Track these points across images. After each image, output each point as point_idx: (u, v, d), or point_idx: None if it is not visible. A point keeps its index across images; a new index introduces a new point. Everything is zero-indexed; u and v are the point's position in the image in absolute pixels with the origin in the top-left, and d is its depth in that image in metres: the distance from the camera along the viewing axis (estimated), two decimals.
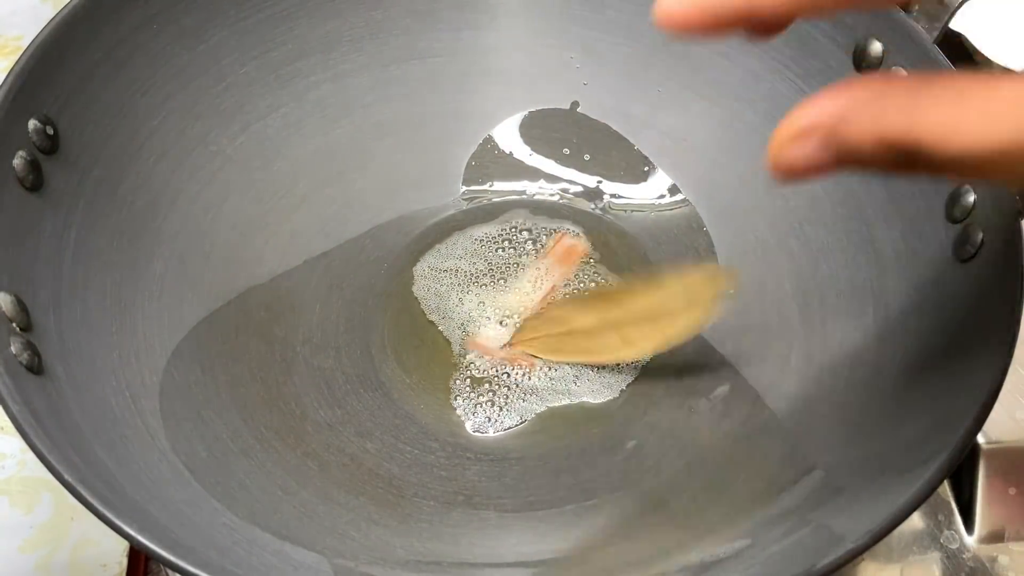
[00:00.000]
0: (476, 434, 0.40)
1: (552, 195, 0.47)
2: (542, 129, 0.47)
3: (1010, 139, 0.18)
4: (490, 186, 0.47)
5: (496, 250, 0.45)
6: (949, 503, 0.42)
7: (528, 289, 0.44)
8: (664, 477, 0.38)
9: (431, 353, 0.42)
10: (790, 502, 0.34)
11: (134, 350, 0.36)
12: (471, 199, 0.47)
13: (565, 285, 0.44)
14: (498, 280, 0.44)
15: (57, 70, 0.36)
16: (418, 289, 0.44)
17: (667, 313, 0.39)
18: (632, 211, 0.47)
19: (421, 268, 0.45)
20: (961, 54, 0.51)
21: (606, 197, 0.47)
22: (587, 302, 0.43)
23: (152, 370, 0.36)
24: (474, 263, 0.45)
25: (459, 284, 0.44)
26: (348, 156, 0.46)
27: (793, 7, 0.21)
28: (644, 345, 0.40)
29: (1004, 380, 0.30)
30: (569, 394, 0.41)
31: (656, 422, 0.40)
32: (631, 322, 0.40)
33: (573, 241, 0.45)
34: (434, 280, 0.44)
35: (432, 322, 0.43)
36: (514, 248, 0.45)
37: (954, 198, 0.35)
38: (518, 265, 0.45)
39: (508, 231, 0.46)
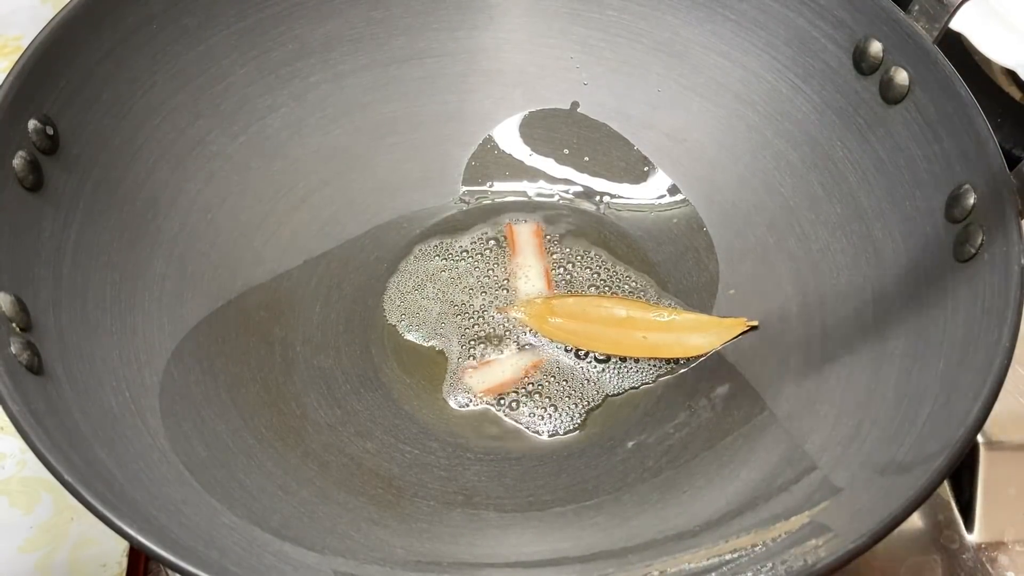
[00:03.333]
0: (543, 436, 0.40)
1: (552, 195, 0.47)
2: (542, 129, 0.48)
3: None
4: (490, 186, 0.47)
5: (488, 250, 0.45)
6: (949, 503, 0.42)
7: (525, 287, 0.44)
8: (663, 477, 0.38)
9: (431, 353, 0.43)
10: (790, 502, 0.34)
11: (134, 350, 0.36)
12: (471, 199, 0.47)
13: (560, 268, 0.44)
14: (492, 285, 0.44)
15: (57, 70, 0.36)
16: (407, 297, 0.44)
17: (687, 331, 0.42)
18: (632, 211, 0.47)
19: (411, 272, 0.45)
20: (961, 54, 0.51)
21: (606, 197, 0.47)
22: (619, 302, 0.43)
23: (152, 370, 0.36)
24: (467, 266, 0.45)
25: (452, 290, 0.44)
26: (348, 156, 0.46)
27: None
28: (662, 350, 0.42)
29: (1004, 380, 0.30)
30: (575, 400, 0.41)
31: (656, 422, 0.40)
32: (654, 329, 0.42)
33: (522, 225, 0.46)
34: (423, 287, 0.44)
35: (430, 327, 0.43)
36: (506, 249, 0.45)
37: (954, 198, 0.35)
38: (503, 269, 0.45)
39: (500, 232, 0.46)
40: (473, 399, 0.41)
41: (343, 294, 0.44)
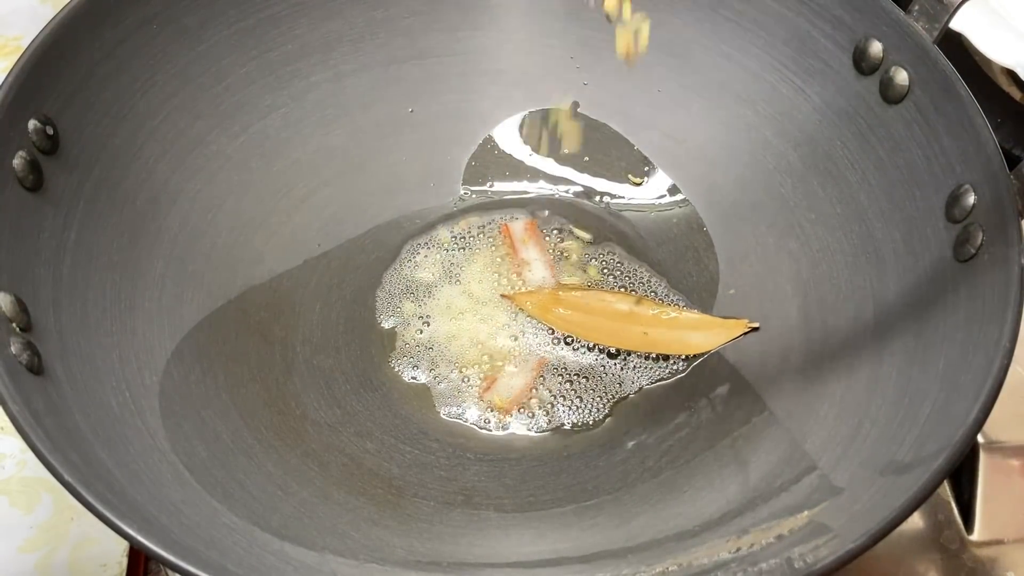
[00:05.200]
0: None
1: (552, 195, 0.47)
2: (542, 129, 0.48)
3: None
4: (490, 186, 0.47)
5: (490, 249, 0.45)
6: (949, 503, 0.42)
7: (530, 279, 0.44)
8: (663, 477, 0.38)
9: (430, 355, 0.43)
10: (790, 502, 0.34)
11: (134, 350, 0.36)
12: (471, 199, 0.47)
13: (563, 265, 0.44)
14: (494, 282, 0.44)
15: (57, 70, 0.36)
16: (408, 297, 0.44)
17: (689, 329, 0.42)
18: (632, 211, 0.47)
19: (405, 275, 0.45)
20: (961, 54, 0.51)
21: (606, 197, 0.47)
22: (623, 297, 0.43)
23: (152, 370, 0.36)
24: (467, 264, 0.45)
25: (459, 292, 0.44)
26: (348, 156, 0.46)
27: None
28: (661, 346, 0.42)
29: (1004, 380, 0.30)
30: (575, 406, 0.41)
31: (656, 422, 0.40)
32: (655, 325, 0.42)
33: (517, 224, 0.46)
34: (416, 290, 0.44)
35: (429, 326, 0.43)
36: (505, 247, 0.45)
37: (954, 198, 0.35)
38: (505, 266, 0.45)
39: (499, 232, 0.46)
40: (498, 416, 0.41)
41: (343, 294, 0.44)
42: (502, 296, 0.44)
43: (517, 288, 0.44)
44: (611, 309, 0.43)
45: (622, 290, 0.44)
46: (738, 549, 0.32)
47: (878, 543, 0.28)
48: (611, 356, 0.42)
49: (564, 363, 0.42)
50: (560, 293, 0.43)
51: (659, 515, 0.36)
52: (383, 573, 0.34)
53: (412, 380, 0.42)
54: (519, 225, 0.46)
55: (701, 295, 0.44)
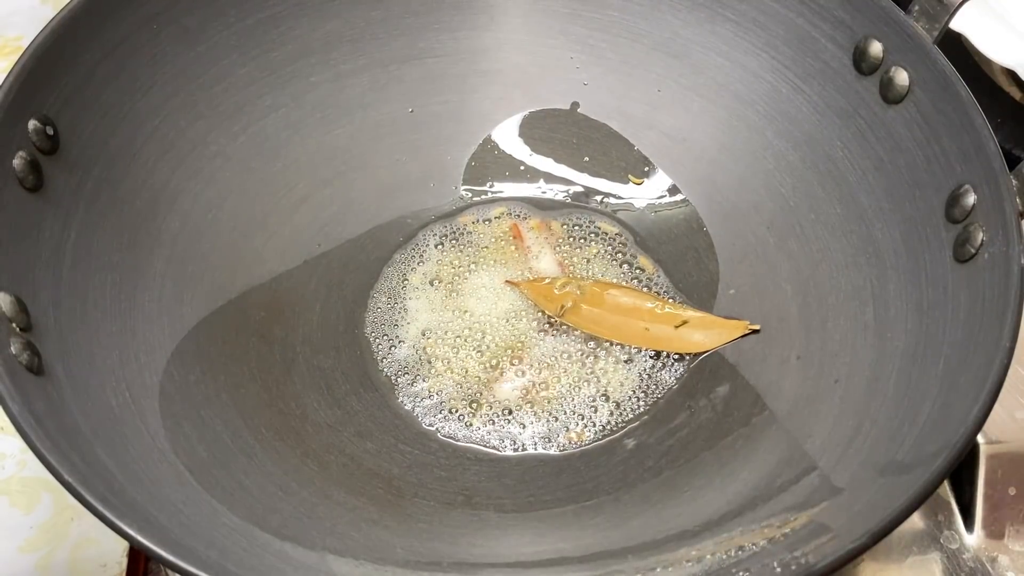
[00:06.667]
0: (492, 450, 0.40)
1: (552, 195, 0.47)
2: (542, 129, 0.48)
3: None
4: (490, 186, 0.47)
5: (492, 249, 0.45)
6: (949, 503, 0.42)
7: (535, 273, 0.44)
8: (664, 477, 0.38)
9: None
10: (790, 502, 0.34)
11: (134, 350, 0.36)
12: (471, 199, 0.47)
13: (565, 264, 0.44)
14: (495, 281, 0.44)
15: (57, 70, 0.36)
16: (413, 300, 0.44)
17: (690, 328, 0.42)
18: (632, 211, 0.47)
19: (400, 278, 0.45)
20: (961, 54, 0.51)
21: (606, 197, 0.47)
22: (627, 291, 0.43)
23: (152, 370, 0.36)
24: (468, 265, 0.45)
25: (465, 291, 0.44)
26: (348, 156, 0.46)
27: None
28: (662, 343, 0.42)
29: (1004, 380, 0.30)
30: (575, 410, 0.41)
31: (656, 422, 0.40)
32: (657, 321, 0.42)
33: (521, 222, 0.46)
34: (401, 298, 0.44)
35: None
36: (509, 245, 0.45)
37: (954, 198, 0.35)
38: (506, 266, 0.45)
39: (503, 230, 0.46)
40: (498, 416, 0.41)
41: (343, 294, 0.44)
42: (507, 282, 0.44)
43: (524, 276, 0.44)
44: (613, 302, 0.43)
45: (627, 284, 0.44)
46: (738, 549, 0.32)
47: (878, 543, 0.28)
48: (618, 354, 0.42)
49: (564, 363, 0.42)
50: (565, 283, 0.43)
51: (659, 515, 0.36)
52: (383, 573, 0.34)
53: (412, 380, 0.42)
54: (523, 224, 0.46)
55: (701, 295, 0.44)
